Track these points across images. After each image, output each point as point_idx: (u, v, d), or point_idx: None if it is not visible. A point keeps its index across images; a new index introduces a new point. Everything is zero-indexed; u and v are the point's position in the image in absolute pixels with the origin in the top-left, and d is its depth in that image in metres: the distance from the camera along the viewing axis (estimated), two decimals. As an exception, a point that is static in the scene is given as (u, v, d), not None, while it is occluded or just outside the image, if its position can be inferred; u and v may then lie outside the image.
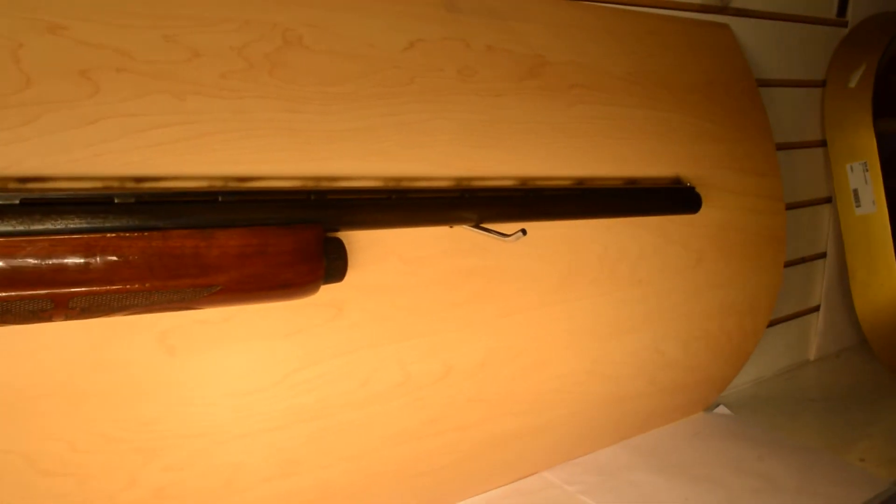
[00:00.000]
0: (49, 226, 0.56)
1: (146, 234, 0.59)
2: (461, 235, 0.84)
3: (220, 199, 0.63)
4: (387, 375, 0.83)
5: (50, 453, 0.65)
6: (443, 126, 0.83)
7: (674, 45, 1.08)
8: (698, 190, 1.01)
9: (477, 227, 0.80)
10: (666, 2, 1.10)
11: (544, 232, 0.92)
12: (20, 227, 0.55)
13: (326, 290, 0.73)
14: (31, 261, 0.55)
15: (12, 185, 0.60)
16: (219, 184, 0.68)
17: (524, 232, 0.80)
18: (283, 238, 0.65)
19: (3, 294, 0.54)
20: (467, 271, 0.86)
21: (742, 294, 1.19)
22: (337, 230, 0.70)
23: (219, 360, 0.71)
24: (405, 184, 0.79)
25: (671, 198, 0.98)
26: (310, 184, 0.73)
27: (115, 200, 0.59)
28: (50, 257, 0.55)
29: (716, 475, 1.11)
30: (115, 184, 0.64)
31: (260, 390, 0.74)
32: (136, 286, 0.59)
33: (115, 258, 0.58)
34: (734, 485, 1.09)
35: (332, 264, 0.69)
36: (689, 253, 1.09)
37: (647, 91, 1.03)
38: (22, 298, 0.55)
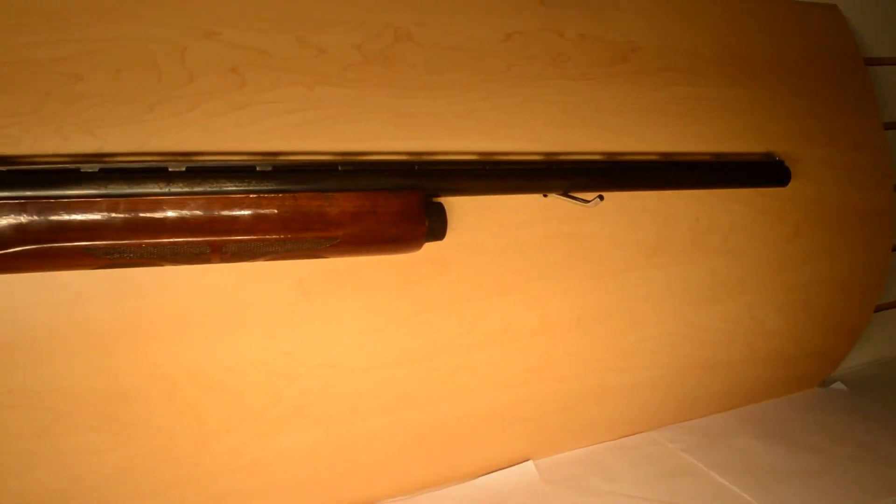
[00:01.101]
0: (207, 188, 0.72)
1: (280, 195, 0.74)
2: (555, 204, 0.94)
3: (339, 168, 0.78)
4: (488, 326, 0.95)
5: (210, 373, 0.81)
6: (537, 108, 0.94)
7: (773, 27, 1.14)
8: (789, 164, 1.07)
9: (564, 195, 0.90)
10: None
11: (634, 202, 1.01)
12: (185, 189, 0.71)
13: (433, 249, 0.86)
14: (195, 213, 0.71)
15: (181, 158, 0.76)
16: (338, 157, 0.83)
17: (601, 198, 0.90)
18: (390, 201, 0.79)
19: (174, 239, 0.71)
20: (562, 236, 0.97)
21: (845, 268, 1.22)
22: (438, 196, 0.83)
23: (345, 304, 0.86)
24: (498, 157, 0.91)
25: (758, 171, 1.05)
26: (415, 158, 0.87)
27: (257, 169, 0.74)
28: (208, 211, 0.71)
29: (817, 443, 1.16)
30: (258, 157, 0.79)
31: (378, 331, 0.89)
32: (273, 236, 0.74)
33: (256, 213, 0.73)
34: (835, 452, 1.13)
35: (433, 225, 0.82)
36: (785, 226, 1.15)
37: (741, 71, 1.10)
38: (188, 243, 0.71)
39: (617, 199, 0.97)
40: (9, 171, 0.68)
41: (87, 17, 0.75)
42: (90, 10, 0.75)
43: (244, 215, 0.72)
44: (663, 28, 1.03)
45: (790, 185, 1.07)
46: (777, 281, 1.16)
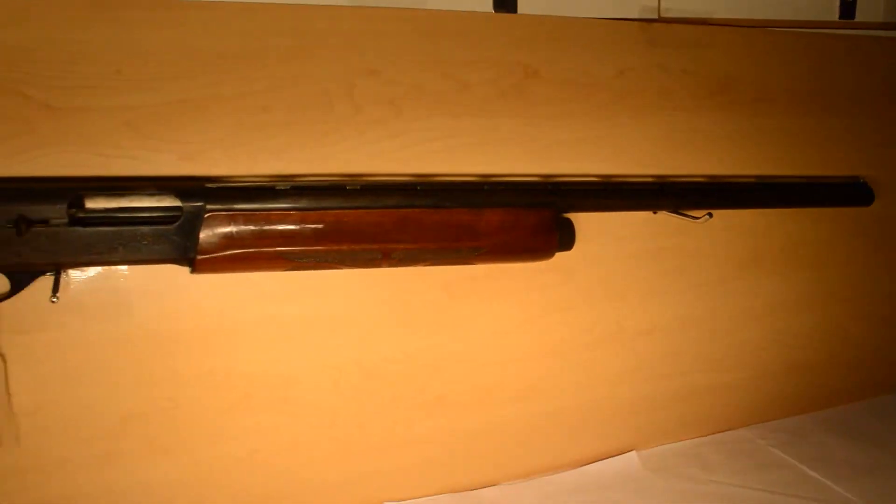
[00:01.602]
0: (379, 203, 0.86)
1: (439, 210, 0.87)
2: (663, 220, 1.06)
3: (485, 188, 0.91)
4: (604, 327, 1.07)
5: (370, 363, 0.95)
6: (647, 135, 1.07)
7: (859, 59, 1.24)
8: (873, 186, 1.17)
9: (675, 212, 1.02)
10: (860, 24, 1.26)
11: (732, 219, 1.13)
12: (363, 203, 0.85)
13: (559, 258, 0.98)
14: (370, 224, 0.84)
15: (353, 178, 0.90)
16: (481, 178, 0.96)
17: (710, 215, 1.01)
18: (529, 216, 0.92)
19: (353, 246, 0.84)
20: (669, 249, 1.10)
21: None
22: (567, 212, 0.96)
23: (483, 306, 1.00)
24: (615, 179, 1.03)
25: (845, 192, 1.15)
26: (546, 179, 0.99)
27: (418, 188, 0.88)
28: (381, 223, 0.85)
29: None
30: (414, 178, 0.93)
31: (510, 330, 1.02)
32: (432, 245, 0.88)
33: (420, 225, 0.86)
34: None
35: (563, 237, 0.94)
36: (869, 242, 1.25)
37: (831, 102, 1.20)
38: (364, 250, 0.85)
39: (716, 216, 1.08)
40: (219, 188, 0.82)
41: (269, 59, 0.89)
42: (271, 52, 0.89)
43: (410, 227, 0.86)
44: (757, 62, 1.14)
45: (874, 204, 1.16)
46: (860, 292, 1.26)
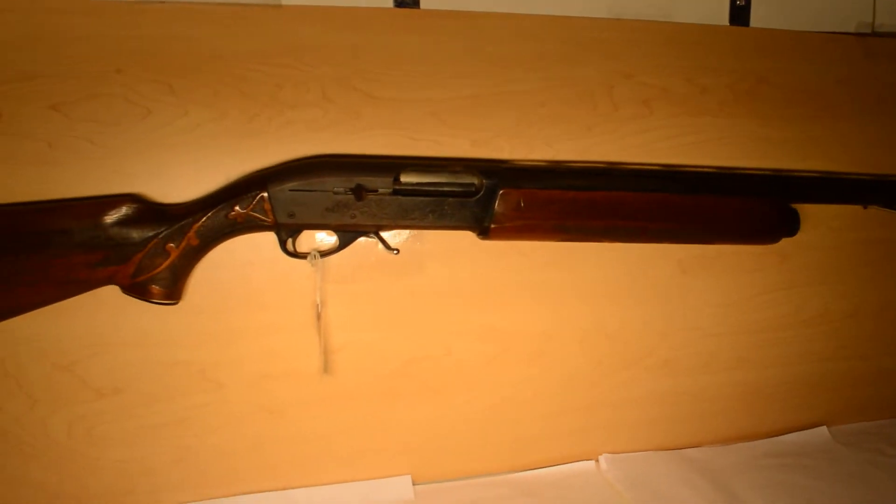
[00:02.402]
0: (640, 186, 1.00)
1: (689, 196, 1.01)
2: (872, 214, 1.17)
3: (727, 178, 1.05)
4: (811, 308, 1.20)
5: (608, 325, 1.11)
6: (864, 137, 1.19)
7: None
8: None
9: (885, 206, 1.14)
10: None
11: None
12: (627, 185, 0.99)
13: (779, 242, 1.11)
14: (632, 205, 0.99)
15: (614, 164, 1.05)
16: (720, 170, 1.10)
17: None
18: (763, 205, 1.04)
19: (617, 222, 0.99)
20: (875, 240, 1.22)
21: None
22: (793, 202, 1.08)
23: (710, 281, 1.14)
24: (834, 175, 1.16)
25: None
26: (773, 172, 1.13)
27: (674, 175, 1.02)
28: (640, 204, 0.99)
29: None
30: (661, 167, 1.08)
31: (731, 304, 1.16)
32: (682, 225, 1.02)
33: (674, 208, 1.01)
34: None
35: (789, 225, 1.07)
36: None
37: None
38: (626, 226, 1.00)
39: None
40: (511, 169, 0.99)
41: (546, 62, 1.05)
42: (548, 56, 1.05)
43: (666, 209, 1.00)
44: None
45: None
46: None
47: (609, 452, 1.18)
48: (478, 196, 0.96)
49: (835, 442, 1.27)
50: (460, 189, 0.96)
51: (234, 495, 1.05)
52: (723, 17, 1.14)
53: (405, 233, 1.03)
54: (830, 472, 1.18)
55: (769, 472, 1.17)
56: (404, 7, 1.01)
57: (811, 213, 1.16)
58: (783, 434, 1.27)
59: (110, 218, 0.89)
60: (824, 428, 1.29)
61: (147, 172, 0.95)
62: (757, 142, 1.13)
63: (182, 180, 0.95)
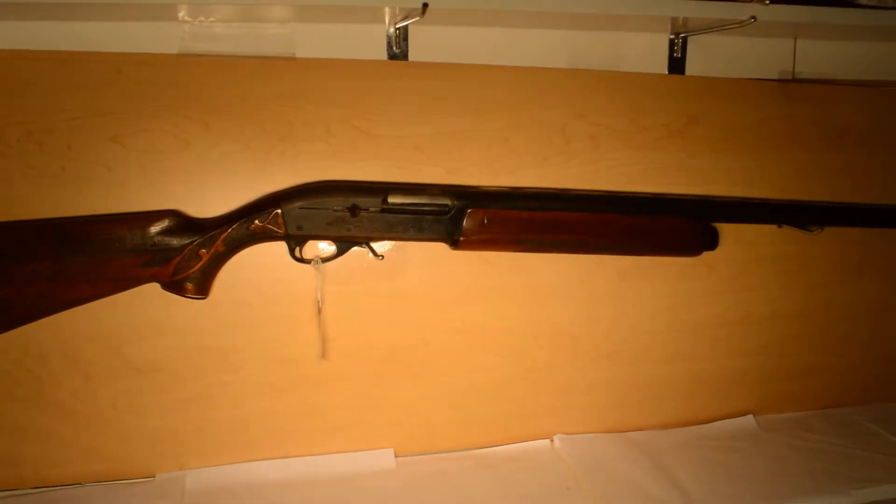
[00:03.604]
0: (586, 207, 1.23)
1: (627, 216, 1.24)
2: (786, 232, 1.39)
3: (658, 202, 1.27)
4: (736, 311, 1.42)
5: (559, 324, 1.34)
6: (780, 169, 1.41)
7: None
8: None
9: (796, 225, 1.36)
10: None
11: (841, 234, 1.45)
12: (574, 207, 1.22)
13: (705, 255, 1.32)
14: (578, 221, 1.22)
15: (566, 191, 1.28)
16: (654, 196, 1.33)
17: (822, 229, 1.35)
18: (688, 224, 1.27)
19: (564, 237, 1.22)
20: (789, 254, 1.43)
21: None
22: (714, 222, 1.31)
23: (646, 286, 1.36)
24: (753, 200, 1.38)
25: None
26: (698, 197, 1.35)
27: (612, 199, 1.25)
28: (584, 222, 1.22)
29: None
30: (605, 192, 1.31)
31: (666, 308, 1.38)
32: (618, 240, 1.24)
33: (613, 226, 1.23)
34: None
35: (710, 241, 1.29)
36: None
37: None
38: (571, 240, 1.22)
39: (828, 230, 1.41)
40: (477, 192, 1.21)
41: (510, 105, 1.28)
42: (512, 99, 1.28)
43: (605, 226, 1.23)
44: (871, 115, 1.47)
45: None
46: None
47: (562, 433, 1.39)
48: (450, 214, 1.18)
49: (760, 429, 1.47)
50: (436, 208, 1.18)
51: (248, 461, 1.27)
52: (662, 66, 1.38)
53: (390, 243, 1.26)
54: (755, 453, 1.38)
55: (701, 452, 1.38)
56: (395, 59, 1.25)
57: (735, 232, 1.38)
58: (714, 421, 1.48)
59: (155, 228, 1.11)
60: (751, 416, 1.50)
61: (185, 192, 1.18)
62: (688, 172, 1.35)
63: (213, 199, 1.18)
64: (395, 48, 1.25)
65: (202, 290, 1.14)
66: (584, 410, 1.40)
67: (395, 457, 1.32)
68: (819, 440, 1.43)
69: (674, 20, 1.29)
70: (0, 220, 1.10)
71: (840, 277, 1.47)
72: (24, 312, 1.10)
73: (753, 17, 1.19)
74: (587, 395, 1.39)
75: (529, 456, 1.37)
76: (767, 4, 1.19)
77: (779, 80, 1.42)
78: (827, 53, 1.48)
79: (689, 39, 1.39)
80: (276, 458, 1.28)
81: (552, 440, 1.40)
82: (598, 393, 1.40)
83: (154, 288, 1.13)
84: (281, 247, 1.17)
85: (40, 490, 1.21)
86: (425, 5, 1.06)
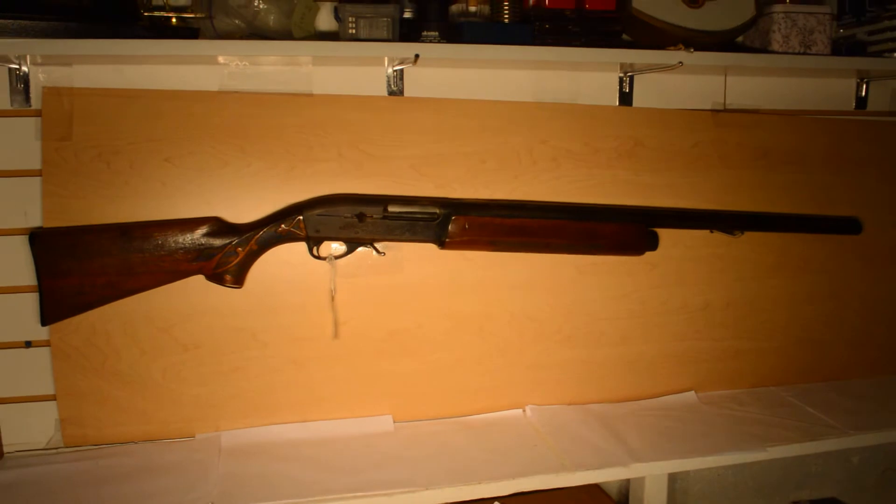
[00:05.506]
0: (544, 215, 1.52)
1: (577, 222, 1.52)
2: (716, 236, 1.68)
3: (607, 210, 1.57)
4: (674, 302, 1.70)
5: (526, 310, 1.63)
6: (710, 184, 1.70)
7: (874, 138, 1.84)
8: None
9: (725, 231, 1.66)
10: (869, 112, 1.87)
11: (762, 238, 1.74)
12: (538, 215, 1.51)
13: (648, 255, 1.61)
14: (542, 226, 1.51)
15: (533, 202, 1.58)
16: (604, 206, 1.62)
17: (742, 233, 1.64)
18: (631, 228, 1.56)
19: (530, 239, 1.51)
20: (719, 254, 1.71)
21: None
22: (654, 227, 1.59)
23: (600, 280, 1.65)
24: (687, 210, 1.68)
25: (834, 223, 1.71)
26: (640, 207, 1.65)
27: (568, 208, 1.55)
28: (546, 228, 1.51)
29: None
30: (564, 203, 1.60)
31: (617, 298, 1.66)
32: (574, 242, 1.53)
33: (566, 230, 1.52)
34: None
35: (651, 242, 1.57)
36: (849, 253, 1.85)
37: (837, 167, 1.81)
38: (536, 242, 1.51)
39: (752, 235, 1.70)
40: (459, 203, 1.49)
41: (485, 132, 1.57)
42: (487, 128, 1.56)
43: (563, 231, 1.51)
44: (790, 138, 1.77)
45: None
46: (852, 293, 1.85)
47: (533, 404, 1.66)
48: (438, 220, 1.46)
49: (700, 402, 1.73)
50: (427, 216, 1.46)
51: (273, 423, 1.54)
52: (613, 99, 1.68)
53: (390, 244, 1.53)
54: (693, 420, 1.65)
55: (647, 420, 1.64)
56: (393, 95, 1.54)
57: (673, 236, 1.67)
58: (660, 396, 1.75)
59: (200, 231, 1.39)
60: (693, 392, 1.76)
61: (225, 203, 1.46)
62: (634, 186, 1.64)
63: (247, 208, 1.46)
64: (393, 86, 1.55)
65: (238, 280, 1.42)
66: (549, 384, 1.67)
67: (394, 422, 1.57)
68: (746, 411, 1.70)
69: (622, 63, 1.59)
70: (77, 225, 1.38)
71: (762, 274, 1.76)
72: (94, 298, 1.37)
73: (681, 62, 1.48)
74: (551, 372, 1.66)
75: (505, 421, 1.62)
76: (692, 52, 1.49)
77: (711, 110, 1.71)
78: (752, 87, 1.77)
79: (636, 77, 1.68)
80: (296, 422, 1.54)
81: (524, 410, 1.66)
82: (560, 370, 1.66)
83: (198, 279, 1.40)
84: (300, 246, 1.44)
85: (100, 447, 1.46)
86: (417, 56, 1.35)
